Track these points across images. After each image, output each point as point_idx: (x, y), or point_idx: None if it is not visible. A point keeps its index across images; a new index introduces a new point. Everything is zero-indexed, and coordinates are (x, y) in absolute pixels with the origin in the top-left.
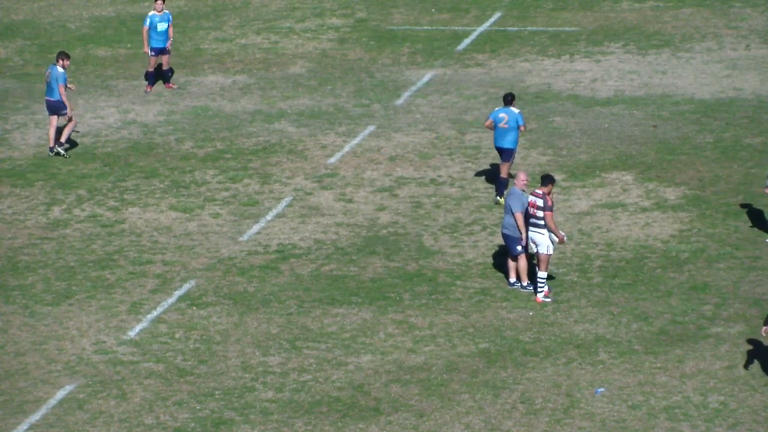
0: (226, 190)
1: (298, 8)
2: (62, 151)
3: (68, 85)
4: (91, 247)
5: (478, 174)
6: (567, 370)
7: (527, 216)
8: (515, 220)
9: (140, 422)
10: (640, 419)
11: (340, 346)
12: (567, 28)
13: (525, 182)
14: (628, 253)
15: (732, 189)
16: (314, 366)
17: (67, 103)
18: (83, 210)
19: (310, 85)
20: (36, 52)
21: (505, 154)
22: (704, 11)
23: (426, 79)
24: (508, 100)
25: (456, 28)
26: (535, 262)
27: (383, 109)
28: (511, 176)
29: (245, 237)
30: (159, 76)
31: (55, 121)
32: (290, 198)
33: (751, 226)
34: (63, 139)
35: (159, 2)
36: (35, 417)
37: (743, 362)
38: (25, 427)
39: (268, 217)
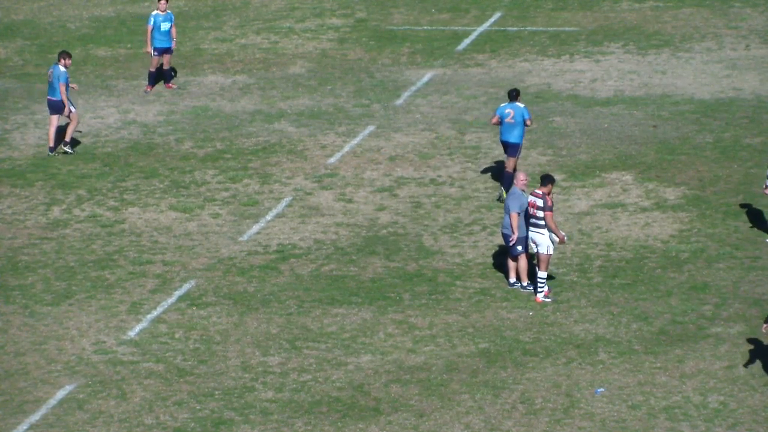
0: (226, 190)
1: (298, 8)
2: (69, 150)
3: (71, 85)
4: (91, 247)
5: (478, 174)
6: (567, 370)
7: (527, 216)
8: (510, 220)
9: (140, 422)
10: (639, 419)
11: (340, 346)
12: (567, 28)
13: (525, 182)
14: (628, 253)
15: (732, 189)
16: (314, 366)
17: (66, 102)
18: (83, 210)
19: (310, 85)
20: (36, 52)
21: (511, 148)
22: (704, 11)
23: (426, 79)
24: (513, 95)
25: (456, 28)
26: (535, 262)
27: (383, 109)
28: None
29: (245, 237)
30: (159, 76)
31: (55, 120)
32: (290, 198)
33: (751, 227)
34: (67, 139)
35: (162, 2)
36: (35, 417)
37: (743, 362)
38: (25, 427)
39: (268, 217)
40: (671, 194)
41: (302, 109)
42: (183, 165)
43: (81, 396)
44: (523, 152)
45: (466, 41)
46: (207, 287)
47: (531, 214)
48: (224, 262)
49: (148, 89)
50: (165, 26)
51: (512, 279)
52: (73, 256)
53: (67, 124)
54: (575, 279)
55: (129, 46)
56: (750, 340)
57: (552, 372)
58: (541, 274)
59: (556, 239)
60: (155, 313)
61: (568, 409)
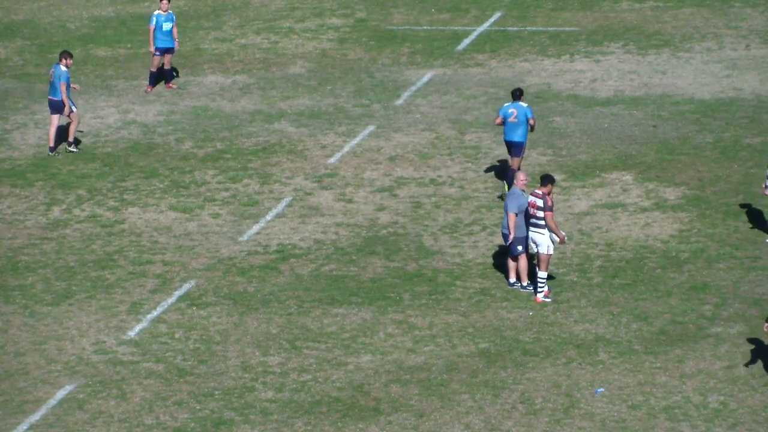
0: (226, 190)
1: (298, 8)
2: (74, 149)
3: (73, 86)
4: (91, 247)
5: (478, 174)
6: (567, 370)
7: (528, 216)
8: (508, 220)
9: (140, 422)
10: (639, 419)
11: (340, 346)
12: (567, 28)
13: (525, 182)
14: (628, 253)
15: (732, 189)
16: (314, 366)
17: (66, 101)
18: (83, 210)
19: (310, 85)
20: (36, 52)
21: (515, 148)
22: (704, 11)
23: (426, 79)
24: (517, 95)
25: (456, 28)
26: (535, 262)
27: (383, 109)
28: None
29: (245, 237)
30: (160, 76)
31: (56, 120)
32: (290, 198)
33: (752, 227)
34: (70, 139)
35: (165, 2)
36: (35, 417)
37: (743, 362)
38: (25, 427)
39: (268, 217)
40: (671, 194)
41: (302, 109)
42: (183, 165)
43: (81, 396)
44: None
45: (466, 41)
46: (207, 287)
47: (531, 214)
48: (224, 262)
49: (149, 89)
50: (167, 26)
51: (512, 279)
52: (73, 256)
53: (69, 124)
54: (575, 279)
55: (129, 46)
56: (750, 340)
57: (552, 372)
58: (541, 274)
59: (557, 239)
60: (155, 313)
61: (568, 409)
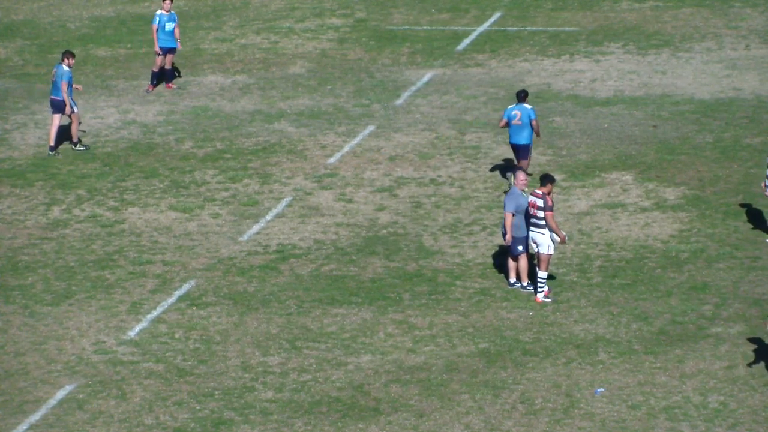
0: (226, 190)
1: (297, 8)
2: (81, 148)
3: (75, 86)
4: (91, 247)
5: (478, 174)
6: (567, 370)
7: (528, 216)
8: (504, 219)
9: (140, 422)
10: (639, 419)
11: (340, 346)
12: (567, 28)
13: (524, 182)
14: (628, 253)
15: (732, 189)
16: (314, 366)
17: (66, 101)
18: (83, 210)
19: (310, 85)
20: (36, 52)
21: (522, 151)
22: (704, 11)
23: (426, 79)
24: (521, 96)
25: (456, 28)
26: (535, 262)
27: (383, 109)
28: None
29: (245, 237)
30: (162, 76)
31: (57, 120)
32: (290, 198)
33: (752, 228)
34: (74, 139)
35: (167, 2)
36: (35, 417)
37: (743, 362)
38: (25, 427)
39: (268, 217)
40: (671, 194)
41: (302, 109)
42: (183, 165)
43: (81, 396)
44: None
45: (466, 41)
46: (207, 287)
47: (531, 214)
48: (224, 262)
49: (150, 89)
50: (169, 26)
51: (512, 279)
52: (73, 256)
53: (70, 125)
54: (575, 279)
55: (129, 46)
56: (750, 340)
57: (552, 372)
58: (542, 274)
59: (557, 239)
60: (155, 313)
61: (568, 409)
